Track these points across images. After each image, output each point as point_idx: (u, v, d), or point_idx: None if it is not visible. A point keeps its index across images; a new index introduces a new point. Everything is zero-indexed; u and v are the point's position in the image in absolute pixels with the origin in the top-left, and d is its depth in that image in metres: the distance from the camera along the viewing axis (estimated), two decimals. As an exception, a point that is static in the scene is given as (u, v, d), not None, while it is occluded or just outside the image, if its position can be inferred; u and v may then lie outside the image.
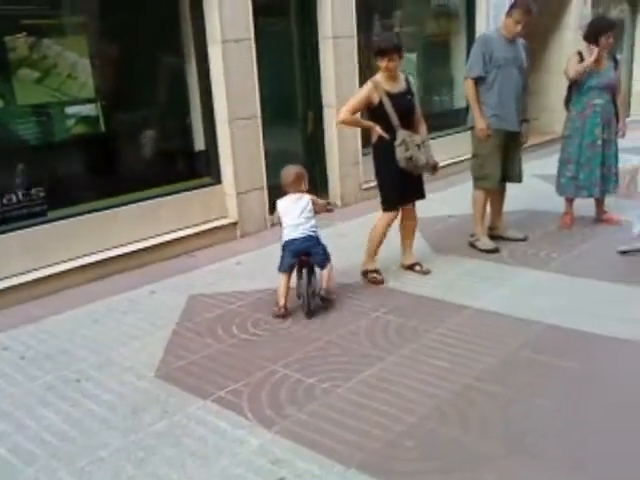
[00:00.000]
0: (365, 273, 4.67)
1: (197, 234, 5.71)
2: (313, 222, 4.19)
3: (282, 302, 4.11)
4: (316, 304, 4.15)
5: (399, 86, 4.45)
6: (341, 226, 6.24)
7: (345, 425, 2.88)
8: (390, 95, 4.37)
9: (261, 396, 3.17)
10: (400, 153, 4.36)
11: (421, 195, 4.69)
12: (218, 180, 6.01)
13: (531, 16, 4.92)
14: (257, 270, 5.09)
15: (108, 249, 5.19)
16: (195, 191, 5.83)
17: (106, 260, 5.12)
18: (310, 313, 4.10)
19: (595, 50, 5.35)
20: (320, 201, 4.35)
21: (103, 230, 5.18)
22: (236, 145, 5.91)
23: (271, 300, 4.36)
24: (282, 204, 4.23)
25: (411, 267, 4.80)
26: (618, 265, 4.75)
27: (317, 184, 7.02)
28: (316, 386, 3.24)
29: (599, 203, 5.79)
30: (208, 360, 3.60)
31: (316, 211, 4.24)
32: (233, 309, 4.31)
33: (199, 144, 6.05)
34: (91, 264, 5.04)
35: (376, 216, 4.72)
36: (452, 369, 3.34)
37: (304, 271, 4.13)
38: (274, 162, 6.43)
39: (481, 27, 8.63)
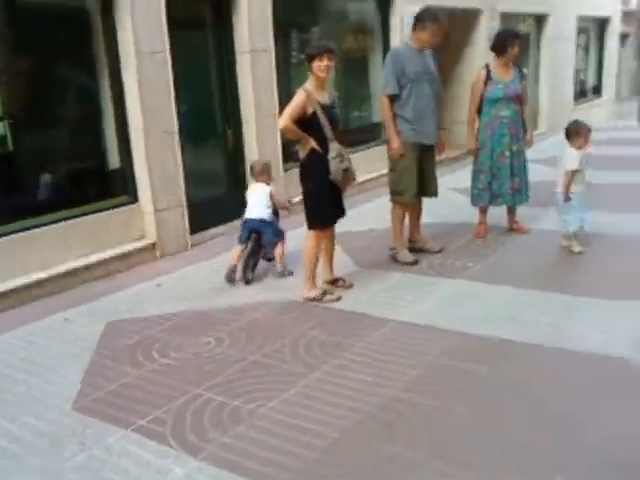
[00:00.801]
0: (315, 299, 4.56)
1: (115, 257, 5.52)
2: (269, 210, 5.03)
3: (233, 262, 4.96)
4: (252, 277, 5.03)
5: (327, 98, 4.39)
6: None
7: (271, 446, 2.86)
8: (323, 106, 4.30)
9: (185, 422, 3.09)
10: (335, 165, 4.30)
11: (344, 212, 4.68)
12: (135, 199, 5.85)
13: (443, 27, 5.09)
14: (178, 292, 4.99)
15: (18, 276, 4.94)
16: (111, 211, 5.66)
17: (17, 288, 4.87)
18: (245, 279, 4.96)
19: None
20: (278, 197, 5.06)
21: (11, 255, 4.93)
22: (152, 162, 5.78)
23: (192, 323, 4.29)
24: (249, 189, 5.26)
25: (334, 282, 4.82)
26: (530, 271, 4.96)
27: (239, 200, 6.97)
28: (241, 408, 3.20)
29: (510, 213, 6.03)
30: (128, 388, 3.48)
31: (274, 203, 5.10)
32: (153, 334, 4.20)
33: (114, 162, 5.88)
34: (-1, 292, 4.78)
35: (304, 234, 4.60)
36: (375, 382, 3.38)
37: (249, 244, 4.98)
38: (194, 179, 6.37)
39: (395, 43, 8.85)
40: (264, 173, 5.14)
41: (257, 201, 5.06)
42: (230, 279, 4.97)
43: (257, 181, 5.20)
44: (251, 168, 5.37)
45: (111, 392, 3.45)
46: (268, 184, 5.14)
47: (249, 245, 5.00)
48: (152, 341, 4.08)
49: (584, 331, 3.84)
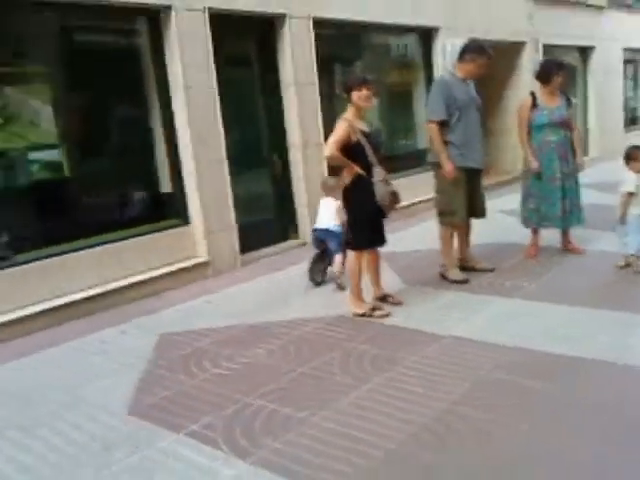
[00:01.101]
0: (364, 315, 4.56)
1: (167, 274, 5.66)
2: (335, 221, 5.29)
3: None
4: (321, 279, 5.47)
5: (366, 126, 4.50)
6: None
7: (322, 453, 2.82)
8: (365, 134, 4.41)
9: (235, 428, 3.09)
10: (382, 189, 4.37)
11: (384, 240, 4.67)
12: (186, 221, 6.01)
13: (490, 59, 5.15)
14: (227, 308, 5.05)
15: (74, 292, 5.11)
16: (164, 232, 5.82)
17: (75, 302, 5.05)
18: (314, 282, 5.43)
19: None
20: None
21: (72, 271, 5.12)
22: (203, 187, 5.95)
23: (243, 336, 4.32)
24: (321, 202, 5.57)
25: (383, 299, 4.80)
26: (586, 290, 4.83)
27: (287, 224, 7.08)
28: (292, 416, 3.18)
29: (564, 234, 5.92)
30: (181, 396, 3.51)
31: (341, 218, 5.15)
32: (204, 346, 4.24)
33: (166, 187, 6.06)
34: (57, 307, 4.94)
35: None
36: (428, 395, 3.31)
37: (315, 253, 5.47)
38: (244, 203, 6.51)
39: (438, 74, 8.94)
40: (334, 189, 5.30)
41: (325, 213, 5.44)
42: (311, 279, 5.49)
43: (327, 196, 5.51)
44: (323, 184, 5.66)
45: (165, 398, 3.48)
46: (337, 199, 5.24)
47: (315, 255, 5.49)
48: (203, 352, 4.12)
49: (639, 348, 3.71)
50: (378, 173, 4.40)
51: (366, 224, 4.51)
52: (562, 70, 5.70)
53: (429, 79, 9.06)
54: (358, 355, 3.90)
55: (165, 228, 5.87)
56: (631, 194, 5.12)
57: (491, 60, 5.15)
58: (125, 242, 5.50)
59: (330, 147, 4.29)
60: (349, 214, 4.56)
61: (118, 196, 5.90)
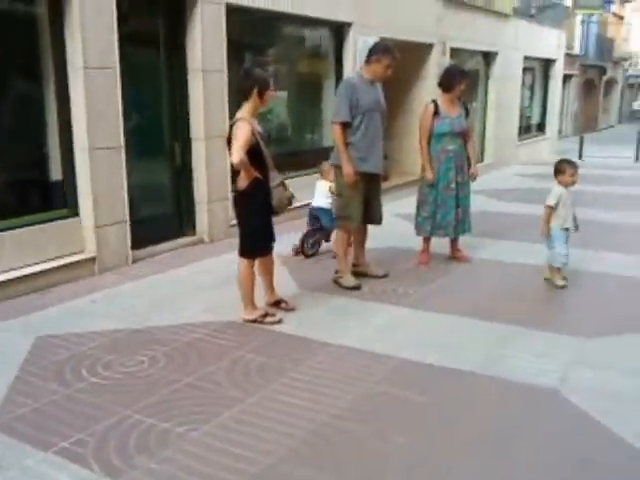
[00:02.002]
0: (255, 321, 4.48)
1: (51, 270, 5.33)
2: (328, 200, 6.08)
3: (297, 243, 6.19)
4: (311, 252, 6.23)
5: (259, 125, 4.39)
6: (208, 262, 6.14)
7: (199, 472, 2.76)
8: (261, 136, 4.31)
9: (109, 445, 2.96)
10: (279, 194, 4.31)
11: (274, 239, 4.58)
12: (75, 213, 5.68)
13: (396, 59, 5.18)
14: (112, 309, 4.84)
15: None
16: (49, 224, 5.47)
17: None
18: (304, 254, 6.16)
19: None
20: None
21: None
22: (96, 176, 5.63)
23: (126, 341, 4.16)
24: (316, 184, 6.42)
25: (276, 304, 4.77)
26: (470, 300, 5.02)
27: (184, 220, 6.88)
28: (171, 431, 3.09)
29: (453, 242, 6.13)
30: (52, 407, 3.33)
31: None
32: (84, 350, 4.04)
33: (55, 174, 5.71)
34: None
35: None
36: (311, 407, 3.33)
37: (308, 229, 6.27)
38: (140, 195, 6.25)
39: (348, 70, 8.98)
40: (329, 172, 5.87)
41: (319, 193, 6.29)
42: (295, 253, 6.21)
43: (322, 178, 6.34)
44: (320, 168, 6.46)
45: (34, 411, 3.28)
46: (331, 181, 5.79)
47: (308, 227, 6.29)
48: (81, 358, 3.92)
49: (518, 362, 3.89)
50: (275, 177, 4.35)
51: (261, 230, 4.44)
52: (465, 78, 5.82)
53: (339, 75, 9.09)
54: (245, 364, 3.85)
55: (51, 219, 5.49)
56: (552, 207, 5.23)
57: (397, 61, 5.17)
58: (3, 234, 5.11)
59: (238, 152, 4.08)
60: (243, 220, 4.44)
61: (2, 182, 5.45)
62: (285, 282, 5.27)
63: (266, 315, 4.53)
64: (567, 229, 5.25)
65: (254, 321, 4.48)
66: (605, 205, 9.16)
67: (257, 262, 4.58)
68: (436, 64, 11.12)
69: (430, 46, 11.26)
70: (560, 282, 5.28)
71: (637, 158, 16.39)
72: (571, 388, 3.53)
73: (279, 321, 4.51)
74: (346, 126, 5.09)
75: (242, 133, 4.14)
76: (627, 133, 24.21)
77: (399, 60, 5.21)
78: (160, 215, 6.68)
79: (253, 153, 4.19)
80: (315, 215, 6.26)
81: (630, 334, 4.31)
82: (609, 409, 3.29)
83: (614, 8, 32.48)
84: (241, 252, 4.45)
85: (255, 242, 4.44)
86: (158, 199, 6.75)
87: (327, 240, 6.21)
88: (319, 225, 6.22)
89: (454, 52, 12.00)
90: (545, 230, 5.30)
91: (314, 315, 4.69)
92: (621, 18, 35.32)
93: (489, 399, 3.48)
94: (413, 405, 3.39)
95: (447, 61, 11.10)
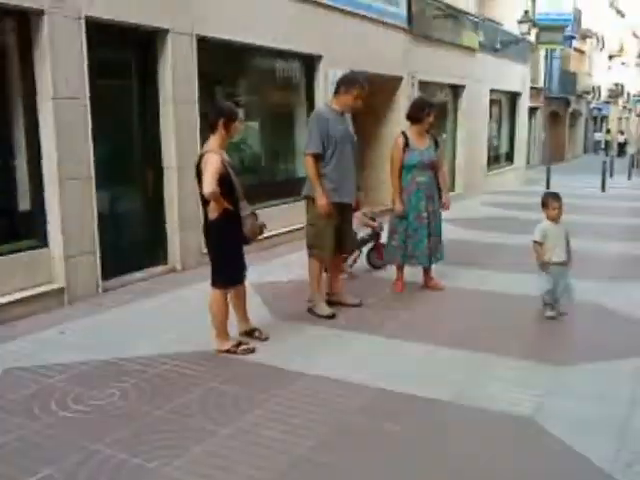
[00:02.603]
0: (228, 351, 4.42)
1: (19, 300, 5.21)
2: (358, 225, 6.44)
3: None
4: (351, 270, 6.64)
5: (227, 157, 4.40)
6: (180, 291, 6.07)
7: (172, 508, 2.69)
8: (231, 166, 4.33)
9: (78, 482, 2.88)
10: (250, 224, 4.32)
11: (245, 267, 4.57)
12: (44, 243, 5.57)
13: (364, 89, 5.24)
14: (82, 340, 4.73)
15: None
16: (17, 254, 5.35)
17: None
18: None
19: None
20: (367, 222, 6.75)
21: None
22: (66, 206, 5.56)
23: (96, 373, 4.07)
24: None
25: (250, 333, 4.72)
26: (443, 329, 5.04)
27: (156, 249, 6.81)
28: (142, 466, 3.01)
29: (427, 271, 6.17)
30: (19, 442, 3.22)
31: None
32: (53, 383, 3.93)
33: (24, 204, 5.62)
34: None
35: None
36: (287, 439, 3.28)
37: None
38: (111, 224, 6.18)
39: (319, 101, 9.09)
40: (363, 202, 6.21)
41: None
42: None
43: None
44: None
45: (1, 446, 3.17)
46: (362, 211, 6.41)
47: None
48: (50, 391, 3.81)
49: (494, 390, 3.89)
50: (245, 207, 4.36)
51: (233, 260, 4.43)
52: (432, 110, 5.91)
53: (311, 106, 9.16)
54: (218, 396, 3.79)
55: (20, 250, 5.38)
56: (538, 242, 5.14)
57: (365, 91, 5.21)
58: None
59: (209, 183, 4.07)
60: (214, 250, 4.42)
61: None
62: (259, 311, 5.23)
63: (239, 345, 4.48)
64: (558, 263, 5.13)
65: (227, 351, 4.42)
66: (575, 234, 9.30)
67: (230, 292, 4.56)
68: (405, 97, 11.32)
69: (399, 79, 11.47)
70: (548, 313, 5.23)
71: (603, 188, 16.76)
72: (546, 416, 3.54)
73: (253, 351, 4.46)
74: (318, 158, 5.13)
75: (212, 164, 4.15)
76: (593, 163, 24.90)
77: (368, 91, 5.28)
78: (131, 244, 6.60)
79: (223, 184, 4.19)
80: None
81: (602, 362, 4.35)
82: (582, 437, 3.30)
83: (575, 44, 33.67)
84: (213, 282, 4.43)
85: (227, 272, 4.41)
86: (129, 228, 6.68)
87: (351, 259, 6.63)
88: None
89: (423, 85, 12.25)
90: (539, 264, 5.18)
91: (289, 344, 4.66)
92: (582, 53, 36.59)
93: (466, 428, 3.47)
94: (390, 436, 3.36)
95: (416, 94, 11.32)
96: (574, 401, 3.73)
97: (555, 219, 5.19)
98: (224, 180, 4.20)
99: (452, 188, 13.93)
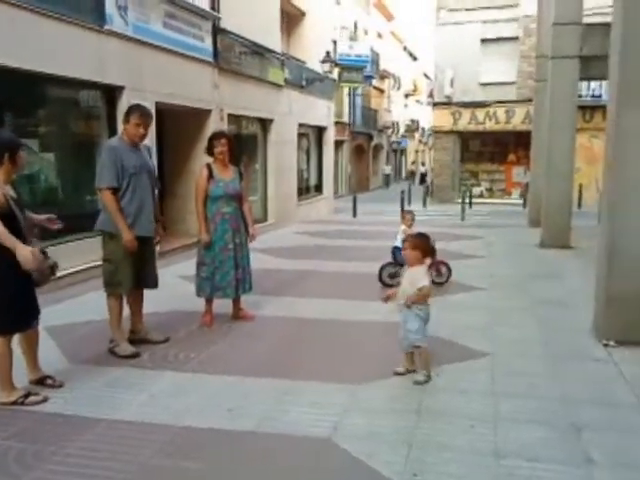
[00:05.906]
0: (15, 403, 4.03)
1: None
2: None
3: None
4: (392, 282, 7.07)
5: (12, 191, 4.07)
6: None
7: None
8: (15, 201, 4.00)
9: None
10: (41, 263, 3.98)
11: (39, 311, 4.24)
12: None
13: (150, 118, 5.18)
14: None
15: None
16: None
17: None
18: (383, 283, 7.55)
19: None
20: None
21: None
22: None
23: None
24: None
25: (41, 381, 4.36)
26: (252, 359, 5.06)
27: None
28: None
29: (236, 302, 6.17)
30: None
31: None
32: None
33: None
34: None
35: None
36: (79, 493, 3.06)
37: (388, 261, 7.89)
38: None
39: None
40: (407, 218, 7.82)
41: (399, 234, 7.59)
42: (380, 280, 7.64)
43: (402, 223, 7.88)
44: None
45: None
46: (408, 226, 7.59)
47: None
48: None
49: (296, 415, 3.99)
50: (36, 243, 4.06)
51: (18, 302, 4.05)
52: (219, 140, 5.86)
53: (113, 134, 8.84)
54: (1, 454, 3.43)
55: None
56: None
57: (146, 118, 5.09)
58: None
59: None
60: None
61: None
62: (54, 356, 4.88)
63: (28, 395, 4.11)
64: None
65: (14, 403, 4.04)
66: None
67: (18, 337, 4.19)
68: (214, 129, 11.37)
69: (208, 112, 11.52)
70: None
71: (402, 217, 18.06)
72: (342, 435, 3.69)
73: (44, 400, 4.12)
74: (117, 191, 4.96)
75: None
76: (394, 192, 26.93)
77: (149, 118, 5.18)
78: None
79: (6, 220, 3.88)
80: (393, 252, 7.68)
81: (395, 378, 4.64)
82: (374, 451, 3.49)
83: (375, 83, 36.47)
84: None
85: (11, 316, 4.03)
86: None
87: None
88: (394, 260, 7.57)
89: (232, 118, 12.44)
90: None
91: (86, 390, 4.37)
92: (382, 91, 39.72)
93: (269, 457, 3.49)
94: (195, 473, 3.29)
95: (225, 127, 11.44)
96: (367, 417, 3.94)
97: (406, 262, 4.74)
98: (7, 216, 3.89)
99: (265, 218, 14.23)
